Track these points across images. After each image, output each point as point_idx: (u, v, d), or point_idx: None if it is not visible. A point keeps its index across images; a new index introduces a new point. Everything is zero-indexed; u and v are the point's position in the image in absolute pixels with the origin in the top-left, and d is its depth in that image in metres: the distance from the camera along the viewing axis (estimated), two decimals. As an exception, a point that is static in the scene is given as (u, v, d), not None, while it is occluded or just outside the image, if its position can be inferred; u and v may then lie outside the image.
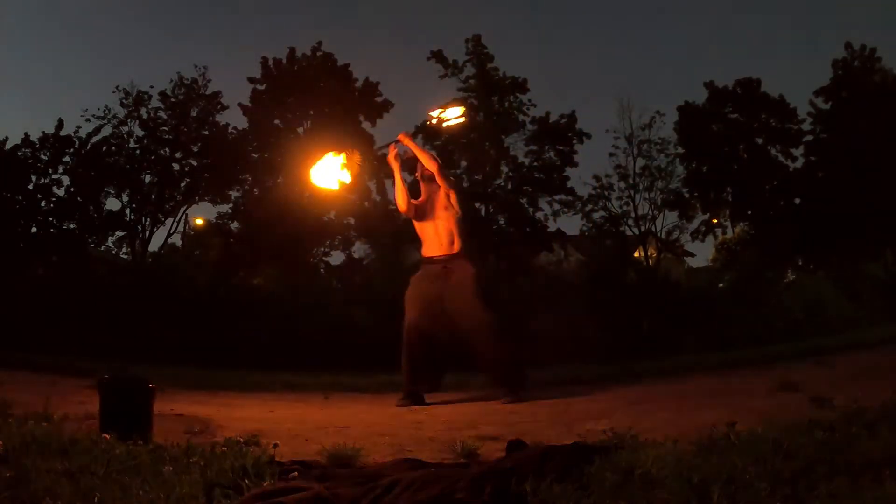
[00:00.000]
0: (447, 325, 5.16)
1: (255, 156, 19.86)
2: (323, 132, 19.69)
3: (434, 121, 5.79)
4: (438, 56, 20.29)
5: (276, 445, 2.57)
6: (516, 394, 4.95)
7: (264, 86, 20.06)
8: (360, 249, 20.34)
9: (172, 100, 19.55)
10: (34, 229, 17.82)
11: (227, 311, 10.65)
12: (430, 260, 5.34)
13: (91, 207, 18.53)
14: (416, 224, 5.46)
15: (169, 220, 19.98)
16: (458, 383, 6.35)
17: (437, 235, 5.32)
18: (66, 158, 18.31)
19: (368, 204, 19.62)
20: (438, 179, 5.33)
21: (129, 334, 9.68)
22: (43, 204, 17.94)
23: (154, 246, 20.09)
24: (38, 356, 7.18)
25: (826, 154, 20.45)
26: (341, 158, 5.47)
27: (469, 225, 5.72)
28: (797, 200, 21.14)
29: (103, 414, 2.90)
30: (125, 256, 19.72)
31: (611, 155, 20.95)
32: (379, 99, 20.49)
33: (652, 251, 21.52)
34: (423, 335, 5.17)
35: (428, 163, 5.40)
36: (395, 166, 5.54)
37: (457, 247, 5.29)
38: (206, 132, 19.75)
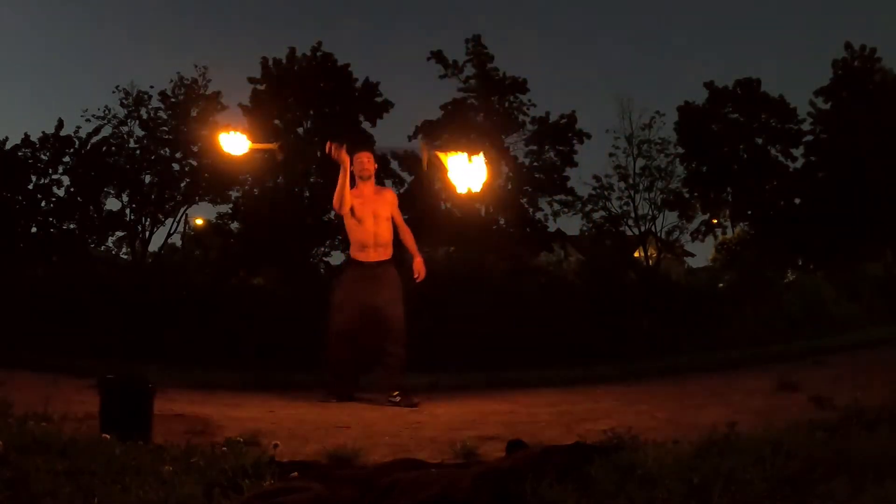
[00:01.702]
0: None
1: (256, 156, 19.85)
2: (323, 132, 19.72)
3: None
4: (438, 56, 20.31)
5: (276, 445, 2.57)
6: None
7: (264, 86, 20.06)
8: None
9: (172, 100, 19.54)
10: (34, 229, 17.83)
11: (227, 311, 10.63)
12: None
13: (91, 207, 18.54)
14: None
15: (169, 220, 19.98)
16: (458, 384, 6.36)
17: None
18: (66, 158, 18.32)
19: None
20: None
21: (130, 334, 9.66)
22: (43, 204, 17.95)
23: (154, 246, 20.10)
24: (38, 356, 7.17)
25: (826, 154, 20.44)
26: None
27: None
28: (797, 200, 21.14)
29: (103, 414, 2.90)
30: (125, 256, 19.73)
31: (611, 155, 20.98)
32: (379, 99, 20.49)
33: (652, 251, 21.52)
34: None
35: None
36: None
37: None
38: (207, 132, 19.74)
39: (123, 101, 19.22)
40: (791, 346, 8.72)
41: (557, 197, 20.23)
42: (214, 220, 20.60)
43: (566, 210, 20.52)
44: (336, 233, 19.94)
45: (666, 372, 7.04)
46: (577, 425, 3.41)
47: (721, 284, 17.79)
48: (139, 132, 19.34)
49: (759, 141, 21.26)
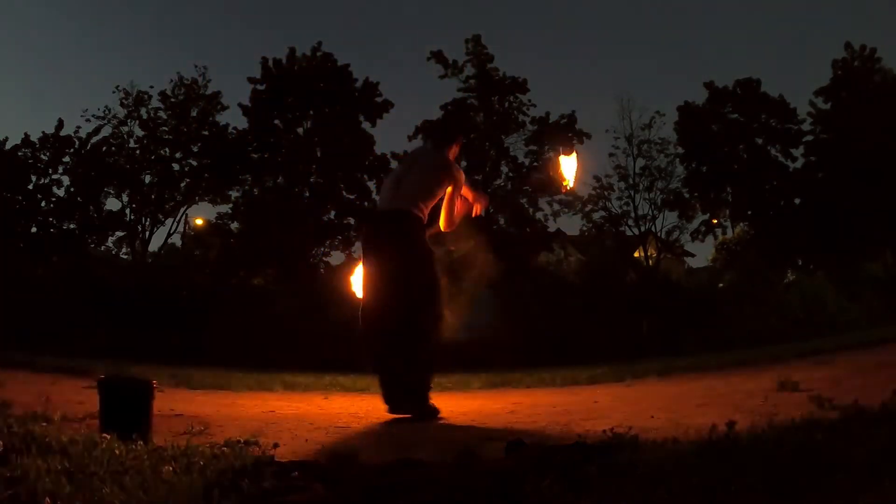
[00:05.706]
0: None
1: (255, 156, 19.87)
2: (323, 132, 19.74)
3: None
4: (438, 56, 20.31)
5: (276, 445, 2.56)
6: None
7: (264, 86, 20.07)
8: (360, 249, 20.35)
9: (172, 100, 19.57)
10: (34, 229, 17.86)
11: (227, 311, 10.66)
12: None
13: (91, 207, 18.56)
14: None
15: (169, 220, 20.01)
16: (459, 383, 6.36)
17: None
18: (66, 158, 18.35)
19: (369, 204, 19.64)
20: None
21: (129, 334, 9.69)
22: (43, 204, 17.98)
23: (154, 246, 20.14)
24: (38, 356, 7.18)
25: (826, 154, 20.44)
26: None
27: None
28: (797, 200, 21.14)
29: (103, 414, 2.89)
30: (125, 256, 19.75)
31: (611, 155, 21.00)
32: (379, 99, 20.50)
33: (652, 251, 21.53)
34: None
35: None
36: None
37: None
38: (206, 132, 19.76)
39: (123, 101, 19.28)
40: (791, 346, 8.73)
41: (557, 197, 20.24)
42: (214, 220, 20.63)
43: (566, 210, 20.54)
44: (336, 233, 19.96)
45: (666, 372, 7.04)
46: (577, 425, 3.40)
47: (721, 284, 17.82)
48: (139, 132, 19.39)
49: (759, 141, 21.26)
